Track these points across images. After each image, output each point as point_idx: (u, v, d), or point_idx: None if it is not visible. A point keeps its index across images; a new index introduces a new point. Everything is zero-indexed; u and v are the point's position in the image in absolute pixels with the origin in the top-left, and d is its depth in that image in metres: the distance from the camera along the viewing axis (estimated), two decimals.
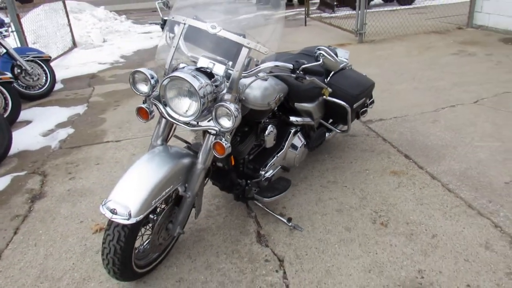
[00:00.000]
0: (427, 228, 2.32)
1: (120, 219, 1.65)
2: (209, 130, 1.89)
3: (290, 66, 1.93)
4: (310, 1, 9.86)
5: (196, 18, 1.96)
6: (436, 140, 3.31)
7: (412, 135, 3.43)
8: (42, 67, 5.22)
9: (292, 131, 2.57)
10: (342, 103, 2.68)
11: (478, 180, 2.74)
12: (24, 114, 4.45)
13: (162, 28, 2.24)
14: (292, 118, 2.56)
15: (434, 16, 8.28)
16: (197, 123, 1.89)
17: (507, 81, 4.45)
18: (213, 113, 1.77)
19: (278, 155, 2.48)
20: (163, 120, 2.04)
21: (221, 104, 1.73)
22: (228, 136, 1.85)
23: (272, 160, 2.45)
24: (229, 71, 1.93)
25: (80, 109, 4.67)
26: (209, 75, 1.85)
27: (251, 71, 1.88)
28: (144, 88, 1.91)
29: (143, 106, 1.96)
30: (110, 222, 1.75)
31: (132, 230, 1.75)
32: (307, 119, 2.65)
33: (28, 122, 4.34)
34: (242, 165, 2.38)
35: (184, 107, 1.83)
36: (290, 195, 2.69)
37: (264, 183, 2.39)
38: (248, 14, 2.40)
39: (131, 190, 1.72)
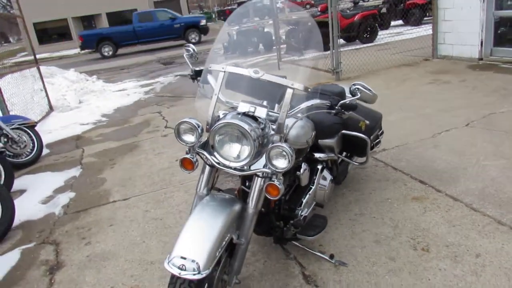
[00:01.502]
0: (468, 249, 2.35)
1: (190, 275, 1.58)
2: (258, 173, 1.89)
3: (328, 103, 1.99)
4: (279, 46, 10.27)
5: (234, 65, 2.00)
6: (444, 164, 3.43)
7: (420, 161, 3.54)
8: (28, 134, 5.07)
9: (319, 167, 2.59)
10: (362, 135, 2.75)
11: (498, 197, 2.83)
12: (16, 184, 4.24)
13: (193, 79, 2.27)
14: (317, 155, 2.60)
15: (398, 51, 8.79)
16: (248, 167, 1.88)
17: (489, 104, 4.73)
18: (267, 155, 1.78)
19: (310, 192, 2.48)
20: (207, 169, 2.02)
21: (276, 145, 1.74)
22: (280, 177, 1.85)
23: (306, 199, 2.44)
24: (270, 113, 1.96)
25: (74, 171, 4.52)
26: (253, 119, 1.87)
27: (293, 111, 1.93)
28: (190, 138, 1.90)
29: (187, 156, 1.94)
30: (175, 281, 1.67)
31: (198, 286, 1.68)
32: (331, 155, 2.69)
33: (22, 191, 4.14)
34: (278, 207, 2.36)
35: (235, 153, 1.83)
36: (323, 232, 2.66)
37: (301, 222, 2.36)
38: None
39: (196, 243, 1.67)
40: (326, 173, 2.65)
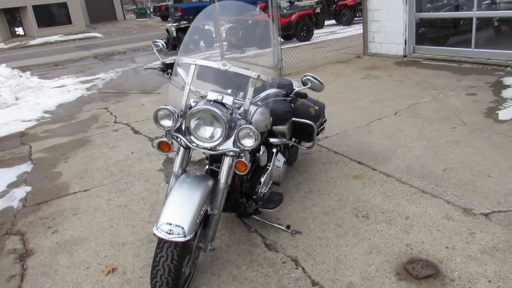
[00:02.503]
0: (400, 213, 2.82)
1: (177, 238, 1.84)
2: (227, 153, 2.18)
3: (284, 91, 2.34)
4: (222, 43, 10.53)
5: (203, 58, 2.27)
6: (377, 147, 3.94)
7: (357, 145, 4.03)
8: None
9: (274, 151, 2.93)
10: (310, 122, 3.14)
11: (421, 171, 3.36)
12: None
13: (163, 71, 2.49)
14: (272, 140, 2.94)
15: (333, 49, 9.45)
16: (217, 147, 2.16)
17: (412, 95, 5.39)
18: (236, 135, 2.08)
19: (267, 172, 2.82)
20: (181, 151, 2.27)
21: (244, 127, 2.05)
22: (247, 155, 2.16)
23: (264, 178, 2.77)
24: (236, 100, 2.27)
25: (25, 167, 4.49)
26: (222, 105, 2.16)
27: (256, 98, 2.24)
28: (167, 123, 2.14)
29: (164, 139, 2.18)
30: (162, 245, 1.92)
31: (183, 249, 1.94)
32: (283, 139, 3.04)
33: None
34: (240, 186, 2.67)
35: (208, 134, 2.11)
36: (281, 206, 3.01)
37: (262, 198, 2.70)
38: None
39: (179, 212, 1.93)
40: (280, 156, 3.00)
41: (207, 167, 2.50)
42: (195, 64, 2.23)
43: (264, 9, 11.77)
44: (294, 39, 12.09)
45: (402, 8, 7.33)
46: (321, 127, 3.49)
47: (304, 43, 11.50)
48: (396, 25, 7.51)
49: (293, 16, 11.29)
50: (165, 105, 2.13)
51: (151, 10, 40.31)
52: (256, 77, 2.16)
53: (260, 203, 2.68)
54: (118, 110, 6.44)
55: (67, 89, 8.92)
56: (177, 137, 2.21)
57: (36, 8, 28.44)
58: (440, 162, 3.48)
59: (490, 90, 5.24)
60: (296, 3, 13.40)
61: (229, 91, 2.39)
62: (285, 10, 12.49)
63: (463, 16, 7.14)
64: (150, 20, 35.53)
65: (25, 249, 2.90)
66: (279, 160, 2.96)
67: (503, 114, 4.35)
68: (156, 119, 2.15)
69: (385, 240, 2.56)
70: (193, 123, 2.11)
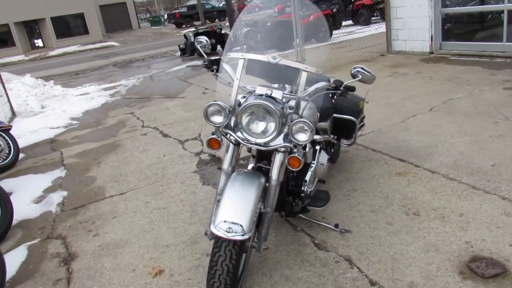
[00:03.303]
0: (452, 210, 2.70)
1: (236, 236, 1.77)
2: (279, 149, 2.11)
3: (333, 84, 2.26)
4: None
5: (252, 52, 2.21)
6: (417, 143, 3.82)
7: (395, 142, 3.91)
8: (3, 138, 4.95)
9: (318, 148, 2.85)
10: (352, 118, 3.05)
11: (469, 167, 3.23)
12: None
13: (207, 68, 2.44)
14: (315, 136, 2.86)
15: (355, 48, 9.33)
16: (269, 143, 2.09)
17: (445, 91, 5.24)
18: (290, 130, 2.00)
19: (312, 170, 2.73)
20: (231, 148, 2.20)
21: (299, 120, 1.98)
22: (301, 150, 2.08)
23: (309, 176, 2.68)
24: (285, 95, 2.19)
25: (59, 172, 4.49)
26: (273, 100, 2.09)
27: (305, 92, 2.17)
28: (218, 119, 2.08)
29: (214, 136, 2.12)
30: (220, 244, 1.85)
31: (241, 248, 1.87)
32: (326, 136, 2.96)
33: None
34: (286, 184, 2.59)
35: (260, 129, 2.04)
36: (328, 203, 2.91)
37: (308, 197, 2.61)
38: None
39: (237, 210, 1.86)
40: (323, 153, 2.91)
41: (251, 165, 2.41)
42: (244, 59, 2.16)
43: (281, 10, 11.74)
44: (313, 39, 11.97)
45: (427, 4, 7.19)
46: (361, 123, 3.39)
47: (323, 43, 11.37)
48: (421, 21, 7.36)
49: (311, 17, 11.20)
50: (215, 101, 2.07)
51: (165, 17, 40.79)
52: (307, 69, 2.09)
53: (306, 202, 2.59)
54: (144, 115, 6.44)
55: (90, 96, 9.01)
56: (227, 134, 2.15)
57: (54, 19, 29.00)
58: (487, 157, 3.35)
59: None
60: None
61: (276, 85, 2.32)
62: (301, 12, 12.41)
63: (493, 9, 6.95)
64: (164, 27, 35.88)
65: (68, 253, 2.87)
66: (323, 157, 2.87)
67: None
68: (207, 116, 2.09)
69: (442, 238, 2.44)
70: (245, 119, 2.05)
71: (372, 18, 14.38)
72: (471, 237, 2.41)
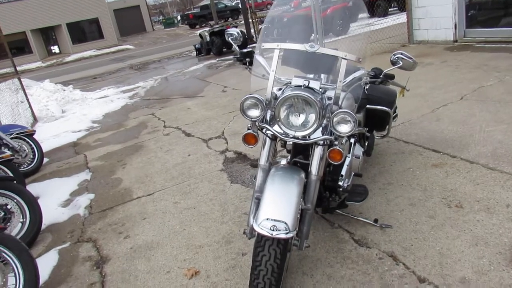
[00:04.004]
0: (498, 201, 2.56)
1: (282, 234, 1.69)
2: (319, 142, 2.01)
3: (372, 73, 2.16)
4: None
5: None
6: (451, 133, 3.67)
7: (427, 133, 3.77)
8: (27, 143, 4.97)
9: (352, 141, 2.74)
10: (385, 108, 2.94)
11: (509, 156, 3.08)
12: None
13: (240, 61, 2.36)
14: None
15: (375, 40, 9.13)
16: (309, 136, 2.00)
17: (475, 79, 5.06)
18: (331, 121, 1.91)
19: (348, 163, 2.63)
20: (268, 143, 2.11)
21: (341, 111, 1.88)
22: (342, 143, 1.98)
23: (345, 170, 2.58)
24: (322, 85, 2.10)
25: (84, 175, 4.48)
26: (312, 90, 2.00)
27: (345, 81, 2.07)
28: (255, 112, 1.99)
29: (250, 131, 2.03)
30: (263, 243, 1.77)
31: (285, 247, 1.79)
32: (360, 128, 2.85)
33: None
34: (322, 179, 2.49)
35: (300, 122, 1.95)
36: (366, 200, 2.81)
37: (346, 191, 2.51)
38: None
39: (280, 207, 1.78)
40: (358, 146, 2.80)
41: (283, 160, 2.30)
42: (279, 49, 2.07)
43: (298, 5, 11.59)
44: (330, 33, 11.81)
45: None
46: (395, 114, 3.27)
47: (341, 36, 11.20)
48: (444, 9, 7.14)
49: (328, 10, 11.03)
50: (252, 94, 1.98)
51: (179, 19, 40.94)
52: (347, 57, 1.99)
53: (343, 197, 2.49)
54: (165, 115, 6.41)
55: (110, 99, 9.04)
56: (263, 128, 2.07)
57: (70, 25, 29.39)
58: None
59: None
60: None
61: (311, 76, 2.23)
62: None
63: None
64: (178, 29, 36.02)
65: (100, 256, 2.83)
66: (358, 150, 2.77)
67: None
68: (243, 109, 2.01)
69: (490, 230, 2.31)
70: (283, 111, 1.96)
71: (390, 9, 14.10)
72: None
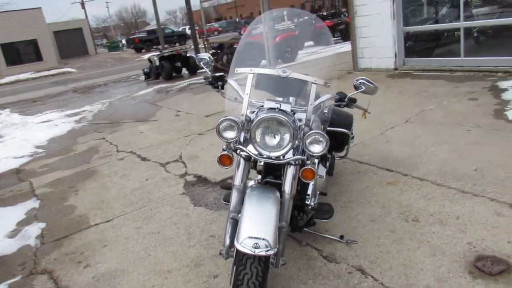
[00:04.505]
0: (448, 214, 2.79)
1: (264, 251, 1.73)
2: (291, 162, 2.10)
3: (337, 97, 2.31)
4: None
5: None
6: (400, 154, 3.94)
7: (379, 154, 4.02)
8: None
9: (316, 161, 2.87)
10: (345, 130, 3.11)
11: (454, 173, 3.36)
12: None
13: (212, 84, 2.40)
14: None
15: (322, 67, 9.58)
16: (283, 157, 2.08)
17: (416, 104, 5.48)
18: (304, 142, 2.01)
19: (313, 183, 2.74)
20: (242, 164, 2.16)
21: (313, 132, 1.99)
22: (314, 162, 2.09)
23: (311, 189, 2.69)
24: (293, 108, 2.21)
25: (32, 203, 4.23)
26: (285, 113, 2.10)
27: (314, 104, 2.19)
28: (230, 134, 2.05)
29: (226, 153, 2.08)
30: (245, 262, 1.80)
31: (266, 264, 1.82)
32: None
33: None
34: None
35: (275, 143, 2.03)
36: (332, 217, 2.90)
37: (312, 210, 2.60)
38: None
39: (261, 225, 1.82)
40: (321, 166, 2.93)
41: (251, 182, 2.37)
42: (253, 73, 2.16)
43: (249, 32, 11.91)
44: (279, 60, 12.21)
45: (390, 23, 7.56)
46: (352, 135, 3.46)
47: (290, 63, 11.62)
48: (385, 39, 7.71)
49: (277, 38, 11.45)
50: (228, 116, 2.04)
51: (124, 43, 40.27)
52: (316, 82, 2.12)
53: (310, 215, 2.58)
54: (117, 140, 6.25)
55: (53, 123, 8.64)
56: (237, 150, 2.12)
57: (4, 46, 27.82)
58: (468, 163, 3.50)
59: (489, 94, 5.39)
60: (276, 26, 13.62)
61: (281, 99, 2.33)
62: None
63: (450, 27, 7.41)
64: (123, 52, 35.37)
65: None
66: (322, 170, 2.89)
67: (511, 114, 4.46)
68: (219, 131, 2.05)
69: (445, 241, 2.50)
70: (259, 133, 2.03)
71: (333, 39, 14.89)
72: (472, 238, 2.48)
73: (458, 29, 7.17)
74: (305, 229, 2.68)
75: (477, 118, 4.54)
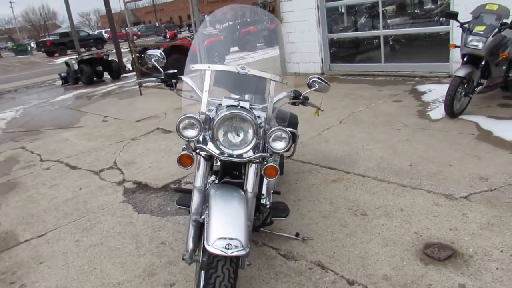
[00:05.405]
0: (393, 207, 2.95)
1: (237, 252, 1.67)
2: (254, 160, 2.08)
3: (293, 94, 2.35)
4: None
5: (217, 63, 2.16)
6: (340, 153, 4.11)
7: (320, 153, 4.15)
8: None
9: (278, 158, 2.87)
10: (293, 130, 3.16)
11: (391, 169, 3.58)
12: None
13: (164, 82, 2.29)
14: None
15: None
16: (243, 155, 2.04)
17: (347, 106, 5.77)
18: (268, 138, 1.99)
19: (266, 183, 2.74)
20: (202, 164, 2.09)
21: (277, 128, 1.98)
22: (276, 158, 2.08)
23: (265, 189, 2.69)
24: (251, 105, 2.19)
25: None
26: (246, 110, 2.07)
27: (273, 101, 2.20)
28: (192, 133, 1.96)
29: (186, 152, 1.99)
30: (215, 264, 1.73)
31: (237, 265, 1.77)
32: None
33: None
34: None
35: (237, 140, 1.99)
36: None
37: (267, 209, 2.60)
38: None
39: (231, 224, 1.76)
40: None
41: (209, 180, 2.32)
42: (211, 70, 2.10)
43: (174, 36, 11.71)
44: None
45: (316, 30, 7.89)
46: (298, 135, 3.52)
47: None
48: (312, 45, 8.03)
49: (205, 42, 11.39)
50: (188, 114, 1.95)
51: (33, 46, 37.24)
52: (274, 79, 2.12)
53: (265, 214, 2.58)
54: (39, 148, 5.72)
55: None
56: (197, 149, 2.05)
57: None
58: (403, 159, 3.75)
59: (411, 97, 5.85)
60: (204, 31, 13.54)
61: (237, 96, 2.30)
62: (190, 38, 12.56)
63: (371, 35, 7.94)
64: (33, 56, 32.64)
65: None
66: None
67: (433, 114, 4.88)
68: (179, 130, 1.96)
69: (394, 232, 2.64)
70: (221, 131, 1.98)
71: (258, 45, 15.17)
72: (417, 228, 2.66)
73: (377, 37, 7.72)
74: (261, 229, 2.66)
75: (404, 118, 4.89)
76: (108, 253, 2.82)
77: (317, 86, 2.44)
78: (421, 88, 6.22)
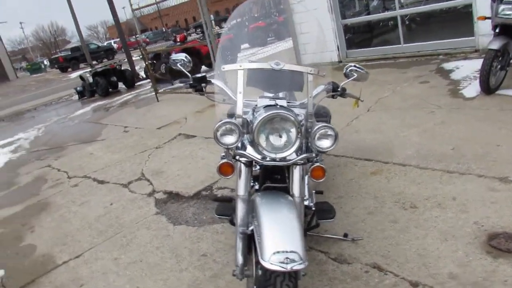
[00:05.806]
0: (444, 196, 2.76)
1: (297, 265, 1.52)
2: (298, 162, 1.92)
3: (331, 86, 2.18)
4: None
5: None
6: (373, 142, 3.91)
7: (353, 145, 3.96)
8: None
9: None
10: (330, 125, 2.98)
11: (433, 155, 3.37)
12: None
13: (192, 87, 2.15)
14: None
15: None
16: (287, 158, 1.89)
17: (372, 92, 5.53)
18: (312, 137, 1.84)
19: (307, 183, 2.59)
20: (244, 171, 1.94)
21: (322, 125, 1.82)
22: (322, 158, 1.92)
23: (307, 190, 2.53)
24: (288, 103, 2.04)
25: None
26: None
27: (313, 96, 2.03)
28: (231, 139, 1.82)
29: (226, 160, 1.86)
30: (274, 280, 1.58)
31: (296, 279, 1.62)
32: None
33: None
34: None
35: (282, 142, 1.84)
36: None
37: (311, 211, 2.45)
38: None
39: (287, 237, 1.61)
40: None
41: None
42: (243, 69, 1.95)
43: (185, 39, 11.61)
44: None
45: (329, 17, 7.65)
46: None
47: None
48: (326, 33, 7.78)
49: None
50: (225, 120, 1.81)
51: (46, 63, 37.82)
52: (311, 72, 1.96)
53: (310, 217, 2.42)
54: (65, 165, 5.69)
55: None
56: (236, 155, 1.90)
57: None
58: (443, 143, 3.54)
59: (438, 76, 5.59)
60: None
61: (272, 95, 2.15)
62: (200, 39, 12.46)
63: (387, 16, 7.67)
64: (47, 74, 33.17)
65: None
66: None
67: (467, 92, 4.63)
68: (217, 137, 1.82)
69: (451, 224, 2.46)
70: (263, 134, 1.83)
71: (268, 39, 14.97)
72: (476, 217, 2.46)
73: (393, 18, 7.44)
74: (308, 232, 2.51)
75: (435, 99, 4.66)
76: (148, 270, 2.71)
77: (356, 75, 2.27)
78: (448, 66, 5.93)
